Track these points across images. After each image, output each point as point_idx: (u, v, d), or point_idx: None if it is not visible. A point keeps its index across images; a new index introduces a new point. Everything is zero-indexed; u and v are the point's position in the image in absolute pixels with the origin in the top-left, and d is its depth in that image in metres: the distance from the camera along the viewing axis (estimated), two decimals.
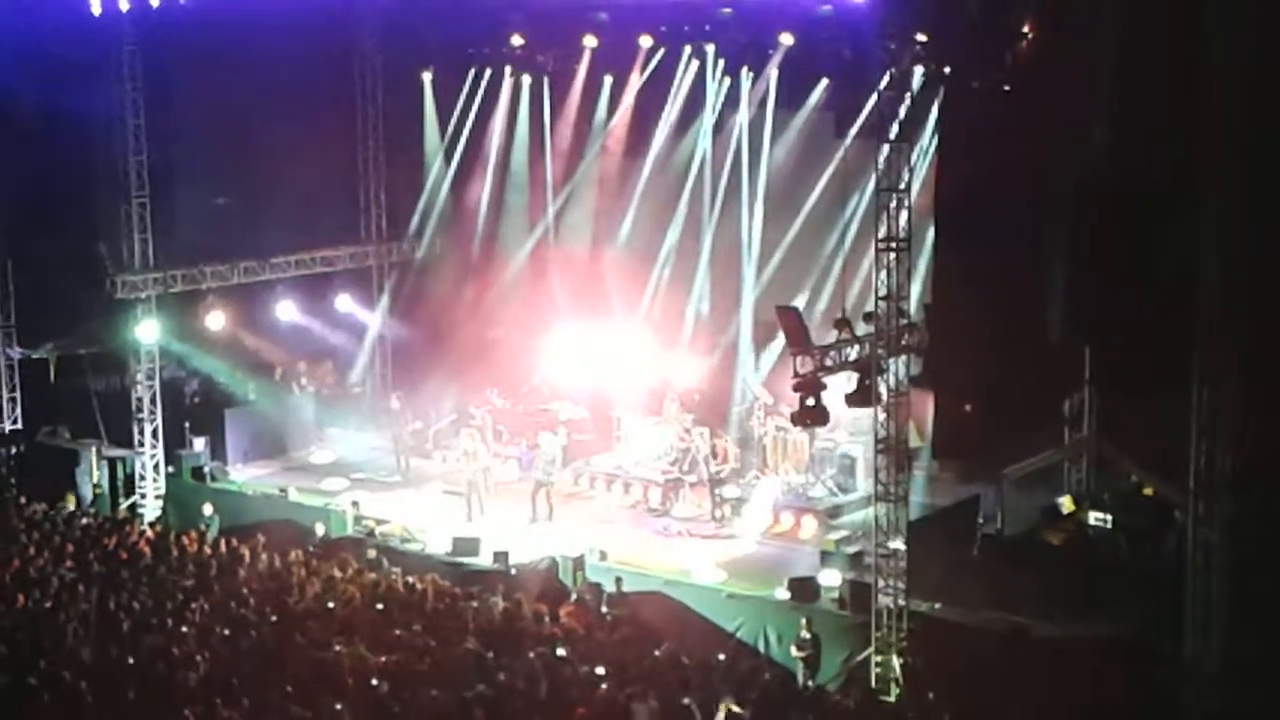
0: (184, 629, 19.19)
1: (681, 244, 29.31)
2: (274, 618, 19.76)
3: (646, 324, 29.36)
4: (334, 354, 32.74)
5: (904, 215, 19.65)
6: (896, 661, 19.64)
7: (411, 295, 32.56)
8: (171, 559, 22.78)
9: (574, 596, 21.96)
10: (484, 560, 23.36)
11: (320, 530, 24.91)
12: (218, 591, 21.07)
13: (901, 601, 19.74)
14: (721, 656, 19.88)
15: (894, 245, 19.62)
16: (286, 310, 31.38)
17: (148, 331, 28.17)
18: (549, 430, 27.27)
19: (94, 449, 28.92)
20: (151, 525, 26.23)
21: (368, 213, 32.30)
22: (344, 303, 32.40)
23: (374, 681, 17.18)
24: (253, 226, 30.35)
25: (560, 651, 18.83)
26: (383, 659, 18.17)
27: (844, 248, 26.20)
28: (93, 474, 28.71)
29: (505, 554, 23.22)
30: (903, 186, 19.68)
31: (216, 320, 29.56)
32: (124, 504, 28.35)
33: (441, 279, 32.29)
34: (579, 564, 22.67)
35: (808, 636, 20.28)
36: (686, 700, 17.13)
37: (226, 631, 19.18)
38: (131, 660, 18.04)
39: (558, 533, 24.67)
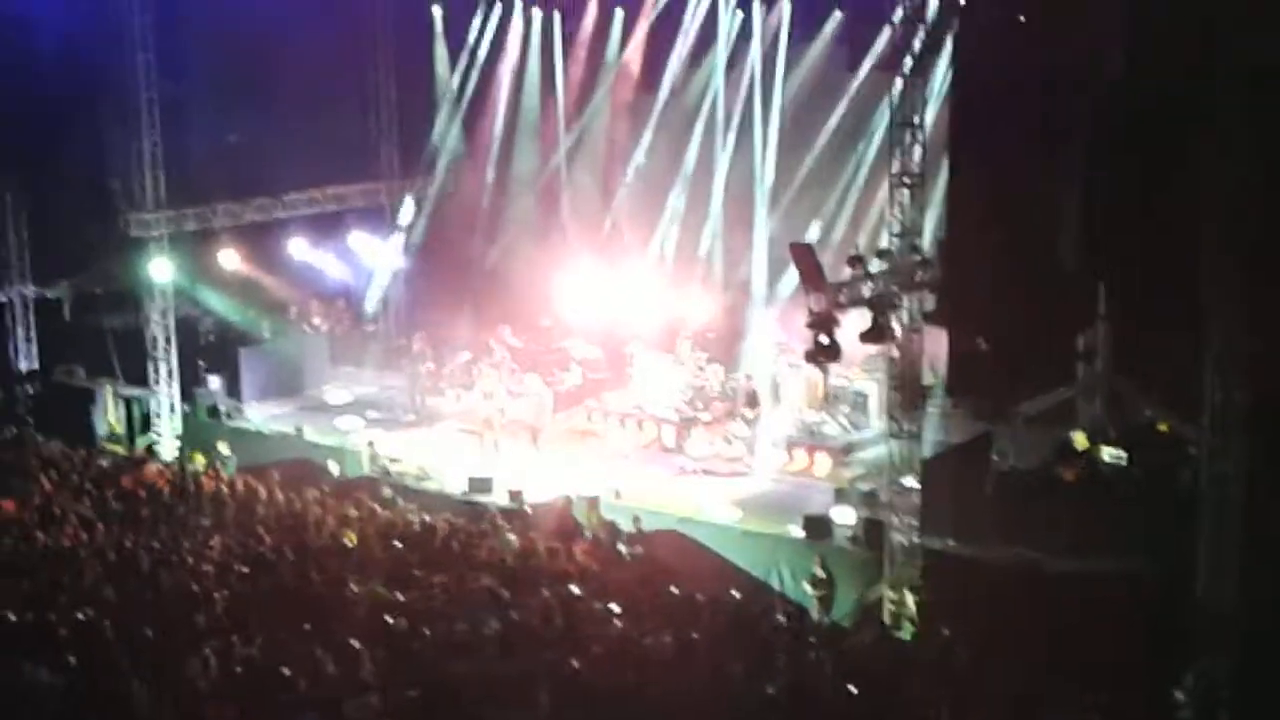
0: (202, 566, 19.33)
1: (694, 180, 29.24)
2: (291, 556, 19.88)
3: (659, 261, 29.37)
4: (347, 292, 32.79)
5: (918, 150, 19.55)
6: (910, 598, 19.73)
7: (424, 232, 32.60)
8: (189, 497, 22.91)
9: (589, 535, 22.04)
10: (499, 498, 23.43)
11: (335, 469, 25.03)
12: (235, 529, 21.19)
13: (915, 538, 19.81)
14: (736, 594, 19.94)
15: (908, 180, 19.53)
16: (299, 248, 31.41)
17: (161, 270, 28.23)
18: (561, 368, 27.27)
19: (109, 388, 29.07)
20: (169, 463, 26.38)
21: (380, 150, 32.26)
22: (357, 240, 32.43)
23: (390, 618, 17.29)
24: (265, 164, 30.26)
25: (574, 589, 18.91)
26: (399, 596, 18.27)
27: (858, 183, 26.25)
28: (109, 412, 28.85)
29: (520, 493, 23.32)
30: (917, 121, 19.57)
31: (230, 259, 29.64)
32: (142, 442, 28.49)
33: (454, 216, 32.29)
34: (594, 503, 22.74)
35: (822, 574, 20.37)
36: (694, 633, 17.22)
37: (244, 569, 19.34)
38: (150, 597, 18.17)
39: (573, 470, 24.73)
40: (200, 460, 25.44)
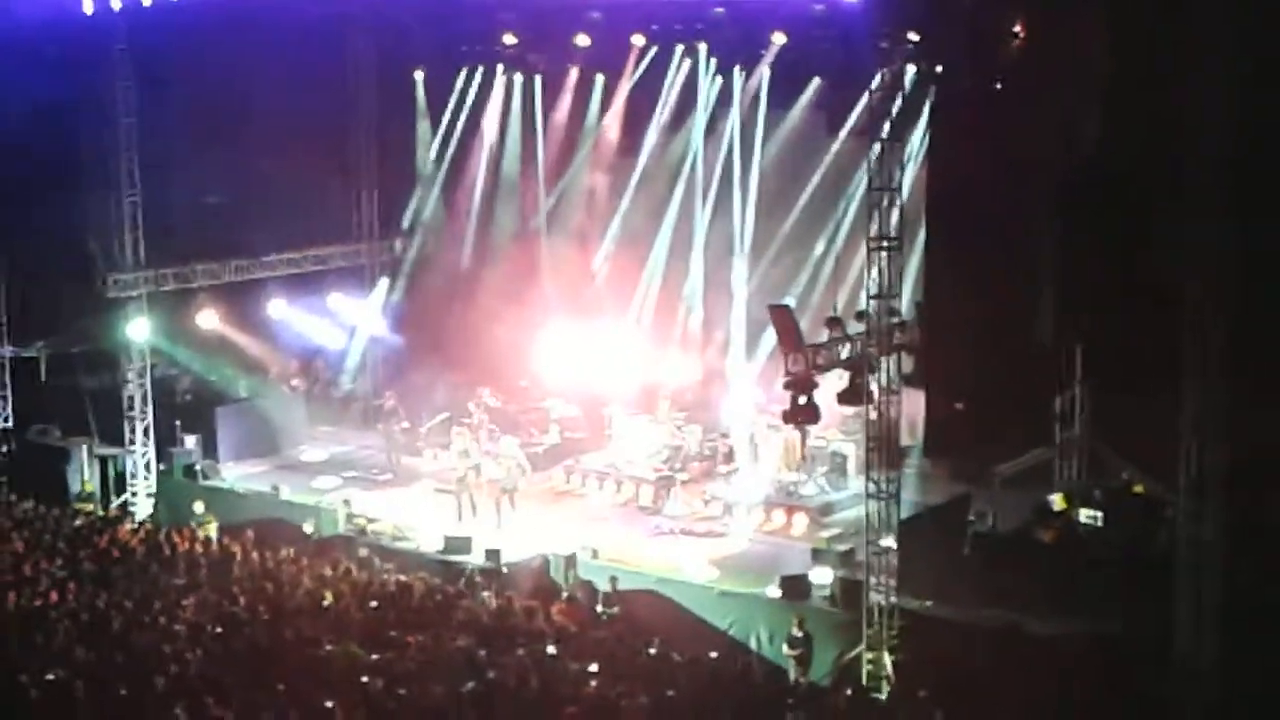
0: (176, 627, 19.14)
1: (674, 243, 29.40)
2: (266, 615, 19.71)
3: (638, 322, 29.46)
4: (325, 353, 32.74)
5: (895, 214, 19.66)
6: (888, 659, 19.65)
7: (403, 294, 32.62)
8: (163, 556, 22.75)
9: (566, 594, 21.95)
10: (476, 558, 23.34)
11: (310, 528, 24.89)
12: (209, 589, 21.03)
13: (893, 599, 19.75)
14: (713, 654, 19.84)
15: (885, 244, 19.62)
16: (278, 308, 31.38)
17: (139, 329, 28.15)
18: (540, 428, 27.22)
19: (85, 447, 28.90)
20: (142, 523, 26.19)
21: (360, 211, 32.32)
22: (336, 301, 32.41)
23: (366, 679, 17.14)
24: (244, 225, 30.37)
25: (551, 649, 18.77)
26: (375, 656, 18.12)
27: (836, 246, 26.45)
28: (84, 472, 28.70)
29: (497, 552, 23.21)
30: (894, 185, 19.71)
31: (208, 318, 29.60)
32: (115, 502, 28.32)
33: (433, 278, 32.34)
34: (571, 562, 22.64)
35: (799, 634, 20.27)
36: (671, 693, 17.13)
37: (218, 629, 19.14)
38: (123, 658, 18.00)
39: (550, 529, 24.65)
40: (213, 527, 25.24)
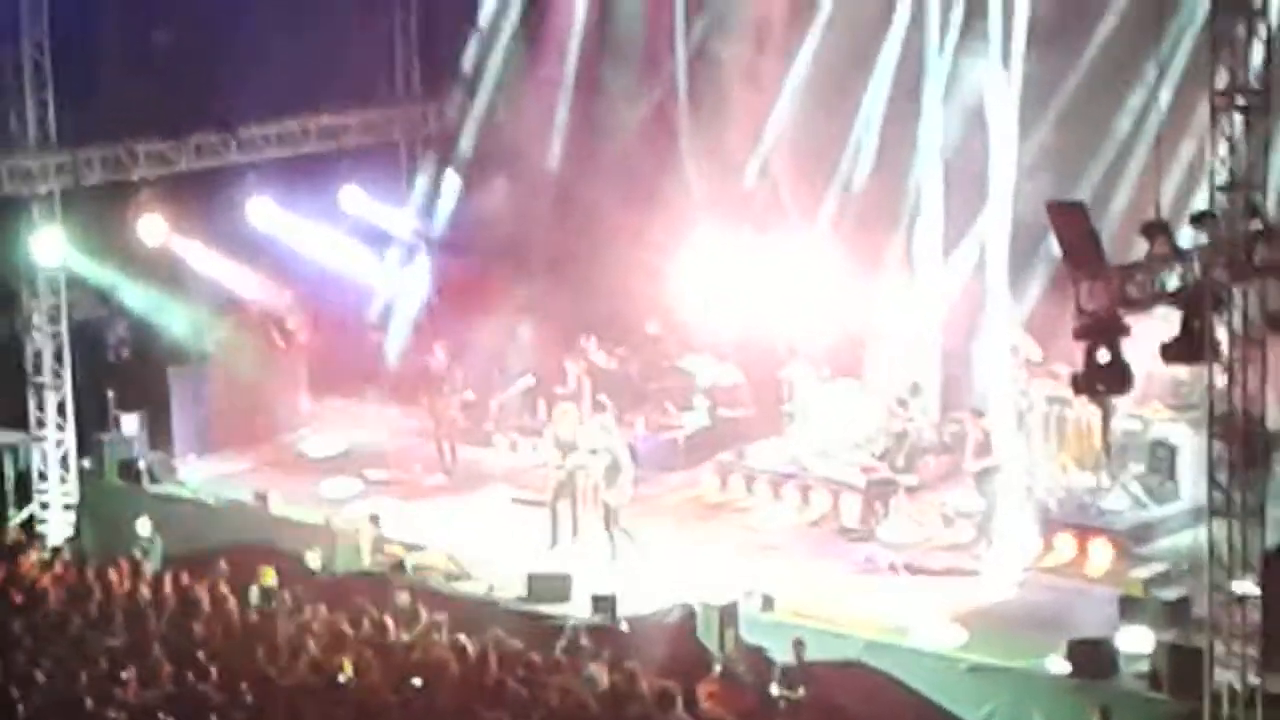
0: (111, 715, 19.35)
1: (890, 107, 29.18)
2: (249, 697, 19.89)
3: (835, 237, 29.26)
4: (339, 282, 32.97)
5: (1258, 49, 19.25)
6: None
7: (462, 189, 32.79)
8: (91, 604, 23.00)
9: (720, 668, 21.95)
10: (579, 609, 23.44)
11: (317, 561, 25.06)
12: (162, 655, 21.24)
13: (1254, 678, 19.44)
14: None
15: (1242, 101, 19.22)
16: (263, 211, 31.59)
17: (49, 247, 28.55)
18: (683, 403, 27.19)
19: None
20: (57, 550, 26.50)
21: (392, 59, 32.46)
22: (353, 198, 32.62)
23: None
24: (211, 80, 30.54)
25: None
26: None
27: (1157, 109, 25.93)
28: None
29: (612, 599, 23.28)
30: (1256, 6, 19.31)
31: (155, 229, 29.74)
32: (15, 518, 28.69)
33: (508, 162, 32.40)
34: (729, 616, 22.66)
35: None
36: None
37: (176, 717, 19.31)
38: None
39: (696, 565, 24.69)
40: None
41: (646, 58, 31.79)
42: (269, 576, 23.96)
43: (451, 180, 33.02)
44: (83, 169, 28.78)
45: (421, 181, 33.09)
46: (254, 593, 23.74)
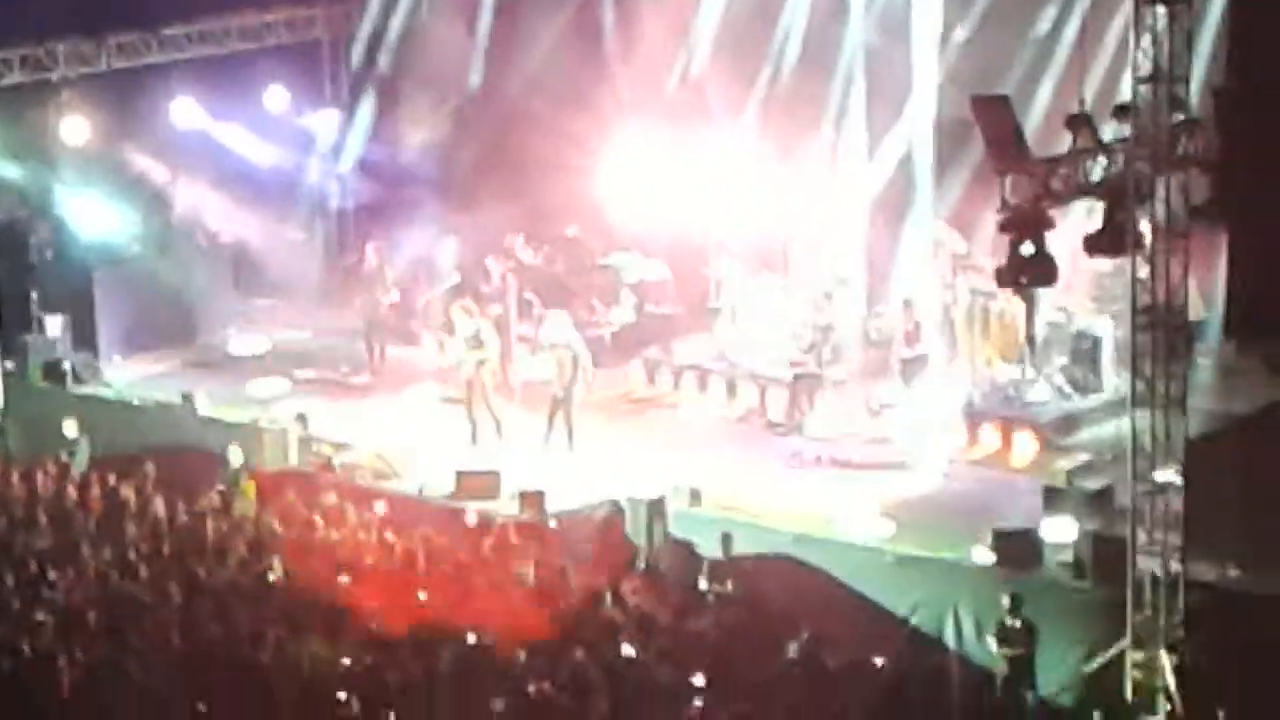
0: (39, 617, 19.35)
1: (814, 4, 28.92)
2: (178, 596, 19.89)
3: (762, 125, 29.20)
4: (263, 180, 32.81)
5: None
6: (1167, 659, 19.53)
7: (385, 83, 32.66)
8: (16, 506, 22.95)
9: (648, 563, 22.01)
10: (507, 506, 23.44)
11: (238, 458, 25.01)
12: (89, 557, 21.22)
13: (1176, 565, 19.59)
14: (881, 660, 19.91)
15: None
16: (187, 112, 31.41)
17: None
18: (605, 298, 27.18)
19: None
20: None
21: None
22: (277, 97, 32.51)
23: (340, 696, 17.31)
24: None
25: (628, 649, 18.90)
26: (348, 661, 18.25)
27: (1080, 1, 26.01)
28: None
29: (540, 495, 23.30)
30: None
31: (77, 129, 29.58)
32: None
33: (432, 59, 32.28)
34: (657, 511, 22.68)
35: (1018, 624, 20.26)
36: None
37: (107, 621, 19.33)
38: None
39: (624, 460, 24.73)
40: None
41: None
42: (250, 492, 23.93)
43: (375, 81, 32.81)
44: (1, 69, 28.50)
45: (345, 80, 32.79)
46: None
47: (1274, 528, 20.47)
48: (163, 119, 31.48)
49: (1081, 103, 20.74)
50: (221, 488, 23.89)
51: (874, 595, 21.61)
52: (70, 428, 26.46)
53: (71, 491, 23.50)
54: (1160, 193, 19.51)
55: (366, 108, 32.98)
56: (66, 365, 28.55)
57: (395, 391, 28.16)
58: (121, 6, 30.11)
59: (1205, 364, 24.23)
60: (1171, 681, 19.53)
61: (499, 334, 26.91)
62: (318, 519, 22.61)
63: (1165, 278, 19.58)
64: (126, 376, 29.15)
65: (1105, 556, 20.52)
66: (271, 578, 20.61)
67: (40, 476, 23.96)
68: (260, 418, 26.52)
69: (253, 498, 24.20)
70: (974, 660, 20.68)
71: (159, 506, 23.02)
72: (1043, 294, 23.97)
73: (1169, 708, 19.50)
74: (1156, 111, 19.32)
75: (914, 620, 21.31)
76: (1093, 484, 22.36)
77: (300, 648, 18.51)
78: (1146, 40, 19.32)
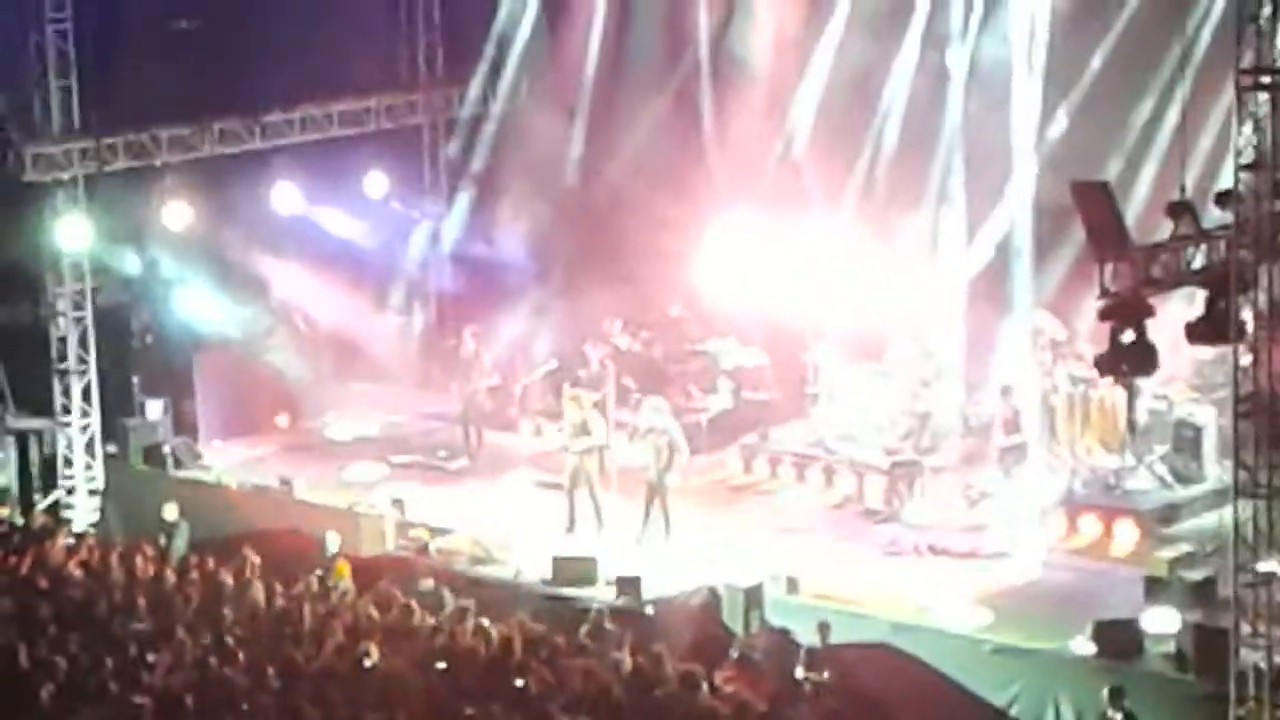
0: (137, 700, 19.35)
1: (915, 87, 29.11)
2: (276, 682, 19.88)
3: (860, 209, 29.22)
4: (362, 265, 32.95)
5: None
6: None
7: (484, 170, 32.78)
8: (116, 590, 23.02)
9: (741, 651, 21.88)
10: (603, 592, 23.43)
11: (335, 544, 25.03)
12: (188, 640, 21.24)
13: None
14: None
15: (1267, 80, 19.12)
16: (287, 197, 31.60)
17: (73, 233, 28.52)
18: (706, 386, 27.14)
19: None
20: (82, 536, 26.52)
21: (413, 42, 32.49)
22: (377, 183, 32.62)
23: None
24: (234, 67, 30.54)
25: None
26: None
27: (1181, 88, 25.81)
28: None
29: (636, 581, 23.28)
30: None
31: (179, 214, 29.79)
32: (41, 504, 28.71)
33: (532, 145, 32.36)
34: (754, 598, 22.63)
35: (1118, 717, 20.00)
36: None
37: (201, 702, 19.30)
38: None
39: (720, 548, 24.66)
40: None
41: (669, 43, 31.74)
42: (344, 571, 23.98)
43: (476, 164, 32.96)
44: (107, 155, 28.79)
45: (445, 165, 32.95)
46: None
47: None
48: (263, 204, 31.61)
49: (1182, 189, 20.60)
50: (319, 572, 23.93)
51: (972, 685, 21.44)
52: (170, 511, 26.49)
53: (170, 575, 23.54)
54: (1263, 280, 19.35)
55: (465, 193, 33.11)
56: (166, 449, 28.71)
57: (492, 477, 28.23)
58: (224, 93, 30.29)
59: None
60: None
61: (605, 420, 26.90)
62: (414, 604, 22.56)
63: (1268, 365, 19.40)
64: (225, 460, 29.25)
65: (1208, 648, 20.32)
66: (367, 663, 20.54)
67: (139, 560, 23.98)
68: (357, 502, 26.62)
69: (349, 582, 24.25)
70: None
71: (257, 591, 23.02)
72: (1144, 381, 23.75)
73: None
74: (1259, 199, 19.18)
75: (1013, 711, 21.20)
76: (1195, 575, 22.20)
77: None
78: (1249, 127, 19.20)
